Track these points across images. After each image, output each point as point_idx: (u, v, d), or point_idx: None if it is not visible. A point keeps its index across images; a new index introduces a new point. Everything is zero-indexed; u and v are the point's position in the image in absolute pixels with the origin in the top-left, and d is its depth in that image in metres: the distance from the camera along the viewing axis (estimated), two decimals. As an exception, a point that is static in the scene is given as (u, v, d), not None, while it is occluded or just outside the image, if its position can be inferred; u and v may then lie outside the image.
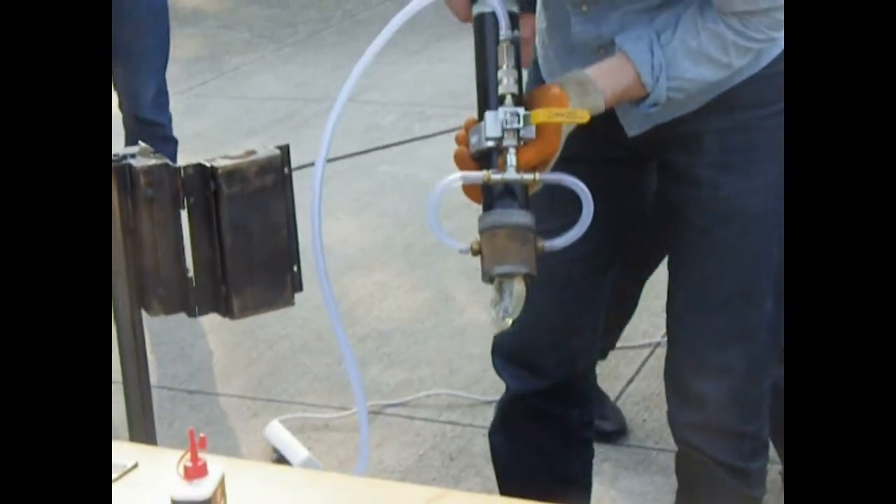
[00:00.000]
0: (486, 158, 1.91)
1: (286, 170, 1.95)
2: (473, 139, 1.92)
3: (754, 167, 2.18)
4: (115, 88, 4.10)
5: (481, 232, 1.90)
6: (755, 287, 2.24)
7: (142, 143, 1.98)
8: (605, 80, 2.02)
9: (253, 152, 1.95)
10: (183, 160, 1.98)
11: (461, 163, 1.95)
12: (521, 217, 1.90)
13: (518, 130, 1.90)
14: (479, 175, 1.90)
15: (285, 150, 1.96)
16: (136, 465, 1.70)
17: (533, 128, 1.91)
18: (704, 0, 2.02)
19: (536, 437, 2.48)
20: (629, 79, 2.03)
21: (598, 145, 2.22)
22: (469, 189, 1.95)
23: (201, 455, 1.55)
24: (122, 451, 1.74)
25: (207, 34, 7.50)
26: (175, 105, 4.40)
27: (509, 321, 1.90)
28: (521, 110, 1.90)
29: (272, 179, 1.93)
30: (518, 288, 1.89)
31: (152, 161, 1.91)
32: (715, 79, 2.07)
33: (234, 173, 1.90)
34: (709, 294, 2.26)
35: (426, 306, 4.04)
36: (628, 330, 3.63)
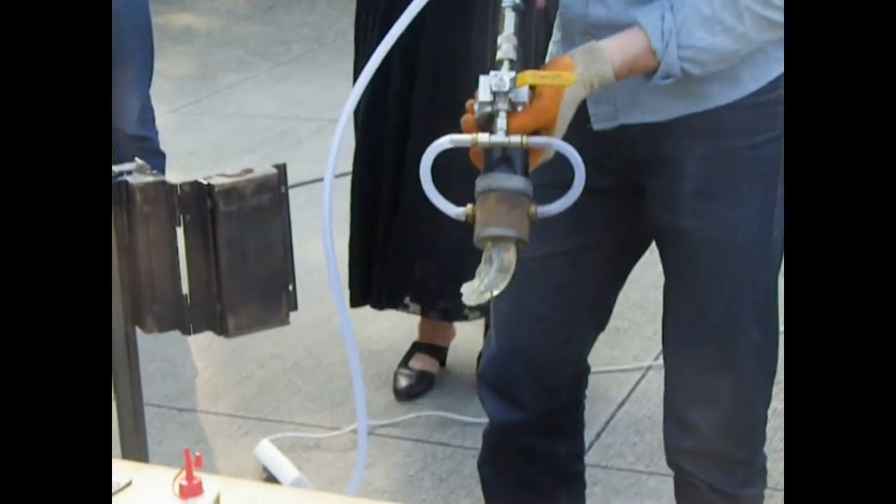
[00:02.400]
0: (488, 127, 1.91)
1: (283, 189, 1.95)
2: (476, 106, 1.93)
3: (738, 196, 2.17)
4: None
5: (476, 197, 1.90)
6: (741, 316, 2.23)
7: (138, 161, 1.98)
8: (615, 48, 2.01)
9: (250, 171, 1.95)
10: (176, 178, 1.98)
11: (467, 130, 1.95)
12: (515, 182, 1.89)
13: (507, 94, 1.91)
14: (468, 138, 1.90)
15: (282, 168, 1.97)
16: (129, 483, 1.70)
17: (525, 92, 1.92)
18: None
19: (524, 471, 2.46)
20: (640, 46, 2.01)
21: (588, 173, 2.22)
22: (475, 156, 1.95)
23: (196, 474, 1.54)
24: (115, 469, 1.74)
25: (201, 52, 7.50)
26: (168, 123, 4.40)
27: (487, 295, 1.87)
28: (511, 74, 1.90)
29: (269, 198, 1.93)
30: (507, 258, 1.87)
31: (149, 178, 1.91)
32: (730, 50, 2.02)
33: (230, 192, 1.90)
34: (696, 323, 2.25)
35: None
36: (619, 353, 3.63)
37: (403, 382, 3.74)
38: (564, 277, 2.31)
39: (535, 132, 1.94)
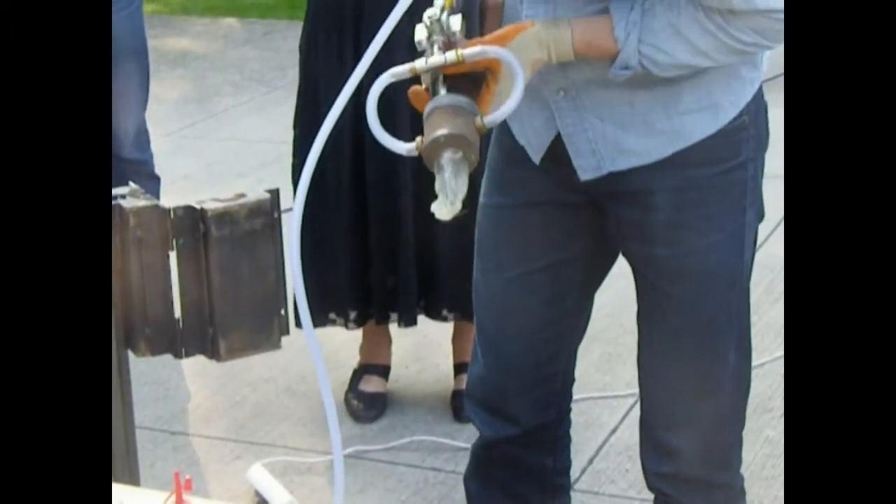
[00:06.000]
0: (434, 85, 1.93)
1: (276, 213, 1.96)
2: (417, 45, 1.96)
3: (708, 224, 2.18)
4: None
5: (423, 123, 1.91)
6: (716, 341, 2.24)
7: (132, 184, 1.98)
8: (578, 22, 2.03)
9: (243, 195, 1.95)
10: (171, 201, 1.98)
11: (415, 97, 1.97)
12: (458, 99, 1.91)
13: (441, 23, 1.92)
14: (405, 67, 1.93)
15: (275, 193, 1.97)
16: (119, 506, 1.70)
17: (458, 21, 1.93)
18: None
19: (510, 484, 2.47)
20: (602, 28, 2.02)
21: (557, 190, 2.23)
22: (416, 98, 1.96)
23: (186, 497, 1.55)
24: (106, 492, 1.74)
25: (197, 76, 7.52)
26: (163, 146, 4.41)
27: (459, 203, 1.88)
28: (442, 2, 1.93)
29: (261, 223, 1.93)
30: (458, 158, 1.87)
31: (142, 202, 1.91)
32: (690, 63, 2.03)
33: (223, 216, 1.90)
34: (671, 349, 2.26)
35: (410, 351, 4.04)
36: (611, 379, 3.63)
37: (359, 407, 3.72)
38: (546, 292, 2.32)
39: (483, 78, 1.95)
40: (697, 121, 2.13)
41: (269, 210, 1.94)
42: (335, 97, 1.98)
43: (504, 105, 1.94)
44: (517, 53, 1.96)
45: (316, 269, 3.53)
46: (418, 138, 1.91)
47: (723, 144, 2.15)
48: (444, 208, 1.88)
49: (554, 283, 2.31)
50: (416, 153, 1.92)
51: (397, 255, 3.53)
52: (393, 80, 1.93)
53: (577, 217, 2.27)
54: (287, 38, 7.86)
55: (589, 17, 2.04)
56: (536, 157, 2.22)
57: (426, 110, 1.92)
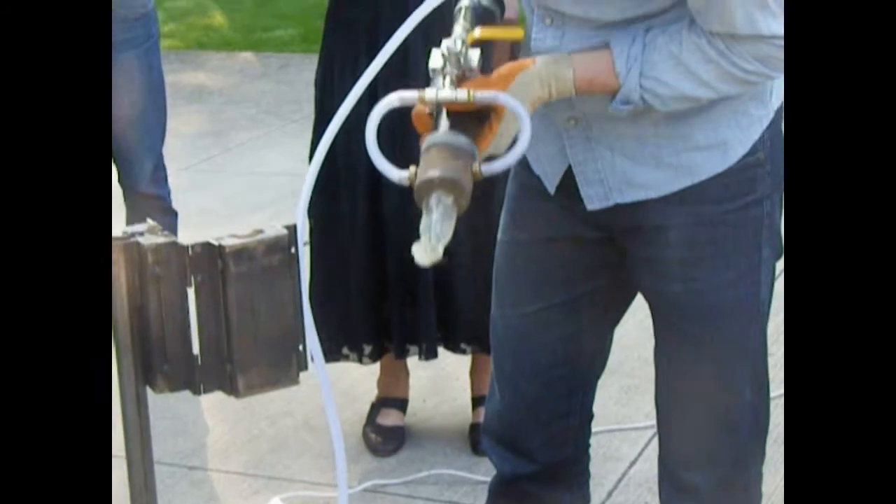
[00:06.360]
0: (439, 117, 1.92)
1: (293, 249, 1.96)
2: (430, 73, 1.95)
3: (724, 260, 2.17)
4: (114, 163, 4.15)
5: (421, 155, 1.90)
6: (734, 379, 2.23)
7: (150, 221, 1.99)
8: (580, 58, 2.02)
9: (260, 231, 1.95)
10: (188, 235, 1.99)
11: (418, 119, 1.97)
12: (459, 139, 1.89)
13: (458, 55, 1.91)
14: (413, 94, 1.91)
15: (292, 229, 1.97)
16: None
17: (476, 57, 1.92)
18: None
19: None
20: (603, 64, 2.02)
21: (573, 225, 2.23)
22: (418, 121, 1.95)
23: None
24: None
25: (213, 110, 7.54)
26: (180, 181, 4.42)
27: (440, 249, 1.86)
28: (463, 35, 1.93)
29: (279, 259, 1.93)
30: (448, 203, 1.84)
31: (160, 239, 1.91)
32: (692, 94, 2.03)
33: (241, 252, 1.90)
34: (688, 386, 2.25)
35: (428, 385, 4.04)
36: (631, 411, 3.62)
37: (377, 440, 3.72)
38: (564, 328, 2.32)
39: (487, 116, 1.94)
40: (706, 158, 2.12)
41: (286, 246, 1.94)
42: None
43: (504, 157, 1.94)
44: (518, 91, 1.96)
45: (330, 304, 3.53)
46: (412, 168, 1.90)
47: (737, 181, 2.14)
48: (425, 253, 1.86)
49: (571, 320, 2.30)
50: (407, 183, 1.91)
51: (416, 288, 3.53)
52: (399, 104, 1.93)
53: (595, 253, 2.26)
54: (302, 72, 7.88)
55: (590, 52, 2.03)
56: (551, 186, 2.22)
57: (425, 143, 1.91)
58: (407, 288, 3.54)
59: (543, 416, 2.37)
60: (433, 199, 1.85)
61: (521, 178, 2.29)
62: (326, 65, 3.57)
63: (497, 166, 1.93)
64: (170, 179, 4.29)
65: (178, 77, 7.93)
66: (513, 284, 2.30)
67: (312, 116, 3.70)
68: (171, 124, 4.32)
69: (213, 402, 3.97)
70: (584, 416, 2.44)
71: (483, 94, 1.92)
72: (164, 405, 3.82)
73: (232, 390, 1.96)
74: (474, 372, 3.76)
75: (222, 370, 1.94)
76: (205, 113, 7.50)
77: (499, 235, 2.34)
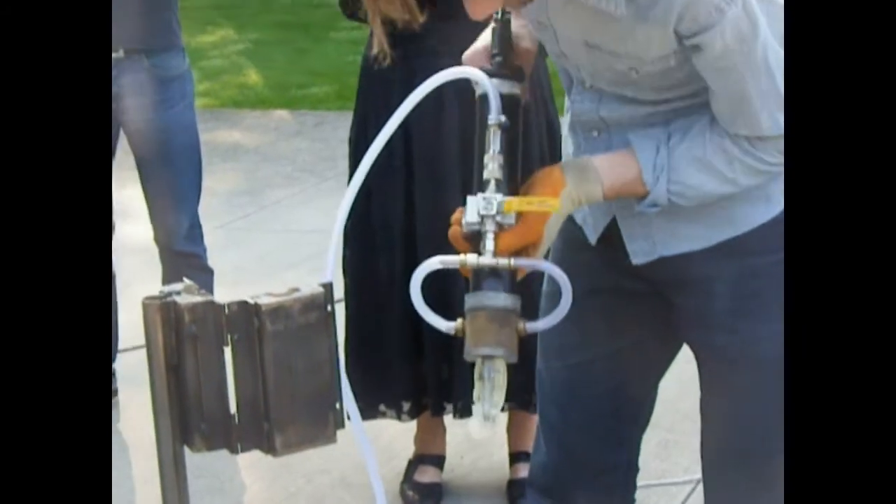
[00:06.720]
0: (475, 239, 1.96)
1: (329, 307, 1.96)
2: (464, 226, 1.97)
3: (768, 312, 2.16)
4: (151, 222, 4.19)
5: (465, 312, 1.94)
6: (772, 435, 2.22)
7: (186, 280, 2.00)
8: (607, 170, 2.04)
9: (296, 289, 1.95)
10: (223, 293, 1.99)
11: (455, 241, 1.99)
12: (503, 300, 1.94)
13: (494, 217, 1.94)
14: (455, 259, 1.95)
15: (328, 287, 1.97)
16: None
17: (512, 214, 1.94)
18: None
19: None
20: (631, 174, 2.05)
21: (618, 277, 2.23)
22: (455, 240, 1.99)
23: None
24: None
25: (248, 168, 7.59)
26: (216, 238, 4.44)
27: (493, 421, 1.91)
28: (499, 197, 1.94)
29: (315, 317, 1.93)
30: (499, 378, 1.91)
31: (197, 298, 1.92)
32: (718, 192, 2.06)
33: (277, 311, 1.91)
34: (732, 439, 2.25)
35: (465, 441, 4.02)
36: (669, 465, 3.59)
37: (414, 497, 3.70)
38: (609, 381, 2.31)
39: (522, 249, 1.98)
40: (750, 210, 2.13)
41: (322, 304, 1.94)
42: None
43: (547, 318, 2.00)
44: (551, 229, 2.02)
45: (367, 361, 3.53)
46: (459, 320, 1.97)
47: (779, 233, 2.14)
48: (481, 423, 1.92)
49: (616, 372, 2.30)
50: (453, 333, 1.97)
51: (451, 346, 3.52)
52: (441, 267, 1.97)
53: (639, 305, 2.26)
54: (337, 129, 7.92)
55: (614, 159, 2.06)
56: (593, 237, 2.23)
57: (470, 302, 1.95)
58: (443, 345, 3.54)
59: (589, 468, 2.37)
60: (485, 371, 1.92)
61: (566, 230, 2.30)
62: (361, 122, 3.58)
63: (541, 325, 2.00)
64: (205, 237, 4.31)
65: (214, 135, 7.99)
66: (557, 336, 2.30)
67: (347, 173, 3.71)
68: (207, 182, 4.35)
69: (251, 460, 3.97)
70: (630, 469, 2.43)
71: (524, 263, 1.97)
72: (201, 463, 3.81)
73: (269, 449, 1.96)
74: (511, 428, 3.75)
75: (259, 429, 1.94)
76: (240, 171, 7.54)
77: (544, 287, 2.35)
